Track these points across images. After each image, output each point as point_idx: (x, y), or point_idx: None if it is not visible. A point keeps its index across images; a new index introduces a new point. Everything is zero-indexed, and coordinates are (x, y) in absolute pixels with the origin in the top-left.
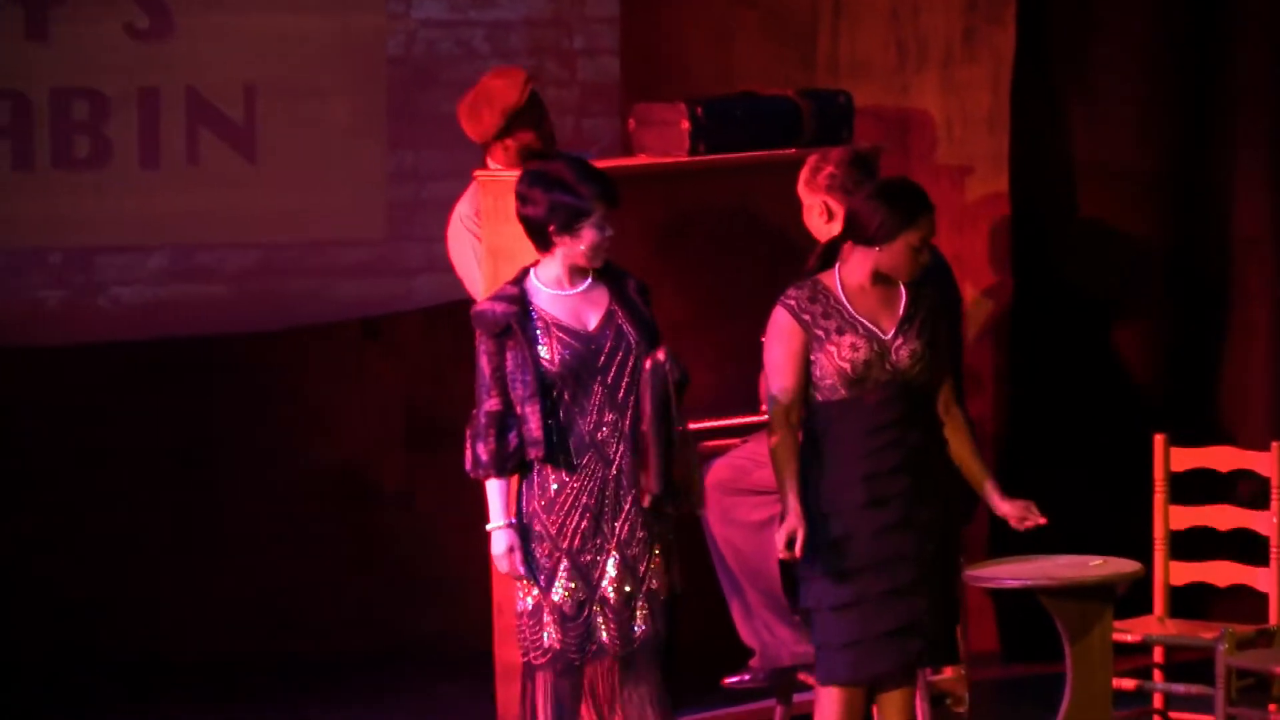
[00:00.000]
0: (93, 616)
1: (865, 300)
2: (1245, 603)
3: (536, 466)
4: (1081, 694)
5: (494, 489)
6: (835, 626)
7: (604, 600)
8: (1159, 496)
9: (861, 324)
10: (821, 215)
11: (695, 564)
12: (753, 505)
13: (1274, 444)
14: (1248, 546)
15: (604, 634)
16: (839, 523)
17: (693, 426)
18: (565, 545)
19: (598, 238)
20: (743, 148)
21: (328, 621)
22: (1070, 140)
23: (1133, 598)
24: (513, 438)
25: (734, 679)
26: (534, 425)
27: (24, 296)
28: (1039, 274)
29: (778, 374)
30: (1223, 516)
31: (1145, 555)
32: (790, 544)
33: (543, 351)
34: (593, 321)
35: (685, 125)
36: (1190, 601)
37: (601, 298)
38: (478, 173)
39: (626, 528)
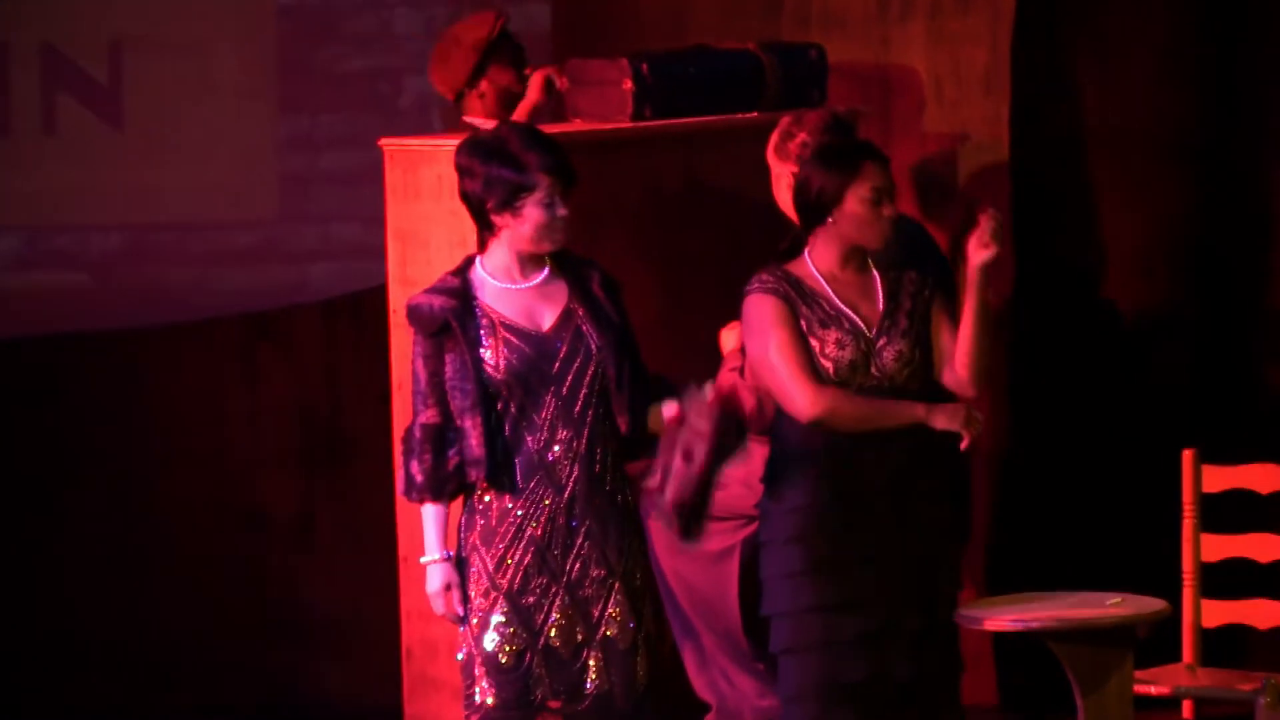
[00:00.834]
0: None
1: (845, 290)
2: None
3: (478, 490)
4: None
5: (430, 516)
6: (803, 674)
7: (548, 650)
8: (1188, 523)
9: (847, 317)
10: (792, 189)
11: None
12: (708, 532)
13: None
14: None
15: (547, 689)
16: (810, 550)
17: None
18: (504, 584)
19: (544, 217)
20: (696, 112)
21: (207, 673)
22: (1080, 103)
23: (1157, 642)
24: (453, 455)
25: None
26: (475, 441)
27: None
28: (1044, 261)
29: (787, 375)
30: (1263, 547)
31: (1172, 592)
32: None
33: (486, 354)
34: (547, 321)
35: (628, 85)
36: (1225, 647)
37: (559, 293)
38: (384, 141)
39: (578, 565)
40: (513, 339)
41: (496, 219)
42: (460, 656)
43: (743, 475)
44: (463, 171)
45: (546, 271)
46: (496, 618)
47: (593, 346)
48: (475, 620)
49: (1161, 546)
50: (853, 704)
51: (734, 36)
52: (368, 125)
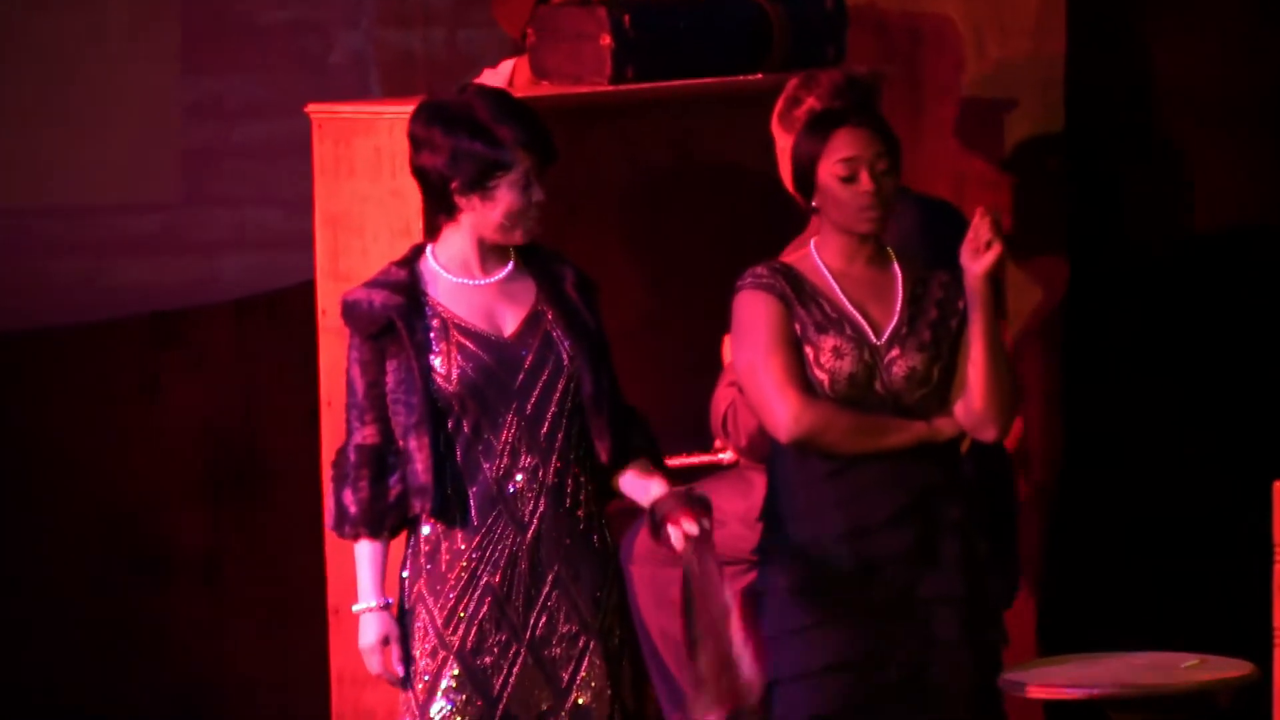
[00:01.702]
0: None
1: (855, 288)
2: None
3: (423, 527)
4: None
5: (366, 555)
6: None
7: None
8: None
9: (850, 321)
10: None
11: None
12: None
13: None
14: None
15: None
16: (818, 600)
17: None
18: (455, 641)
19: (520, 203)
20: (689, 74)
21: None
22: (1152, 61)
23: (1243, 711)
24: (394, 483)
25: None
26: (420, 466)
27: None
28: (1106, 253)
29: (769, 385)
30: None
31: (1261, 651)
32: None
33: (436, 362)
34: (510, 324)
35: (606, 41)
36: None
37: (525, 293)
38: (312, 108)
39: (545, 620)
40: (468, 344)
41: (461, 201)
42: None
43: (741, 510)
44: (420, 143)
45: (511, 266)
46: (446, 682)
47: (564, 356)
48: (420, 685)
49: (1247, 596)
50: None
51: None
52: (291, 88)
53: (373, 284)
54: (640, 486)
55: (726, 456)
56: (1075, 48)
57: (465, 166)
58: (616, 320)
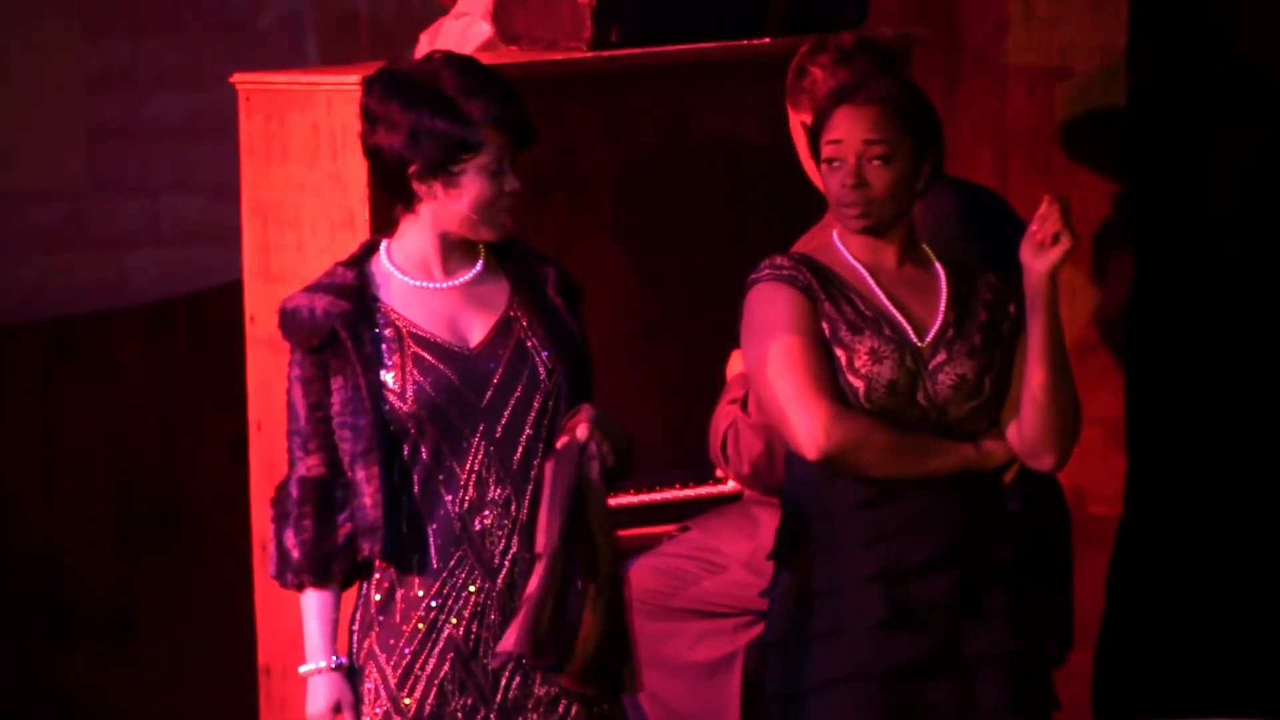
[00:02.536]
0: None
1: (893, 285)
2: None
3: (375, 572)
4: None
5: (313, 606)
6: None
7: None
8: None
9: (889, 319)
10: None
11: None
12: (696, 636)
13: None
14: None
15: None
16: (839, 655)
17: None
18: (411, 705)
19: (489, 191)
20: (682, 37)
21: None
22: (1226, 26)
23: None
24: (343, 521)
25: None
26: (369, 500)
27: None
28: (1177, 246)
29: (793, 392)
30: None
31: None
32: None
33: (388, 378)
34: (477, 333)
35: (585, 0)
36: None
37: (496, 296)
38: (238, 78)
39: (518, 680)
40: (427, 357)
41: (421, 188)
42: None
43: (746, 554)
44: (375, 119)
45: (480, 267)
46: None
47: (540, 370)
48: None
49: None
50: None
51: None
52: (214, 55)
53: (315, 288)
54: None
55: (729, 488)
56: (1139, 8)
57: (426, 147)
58: (599, 329)
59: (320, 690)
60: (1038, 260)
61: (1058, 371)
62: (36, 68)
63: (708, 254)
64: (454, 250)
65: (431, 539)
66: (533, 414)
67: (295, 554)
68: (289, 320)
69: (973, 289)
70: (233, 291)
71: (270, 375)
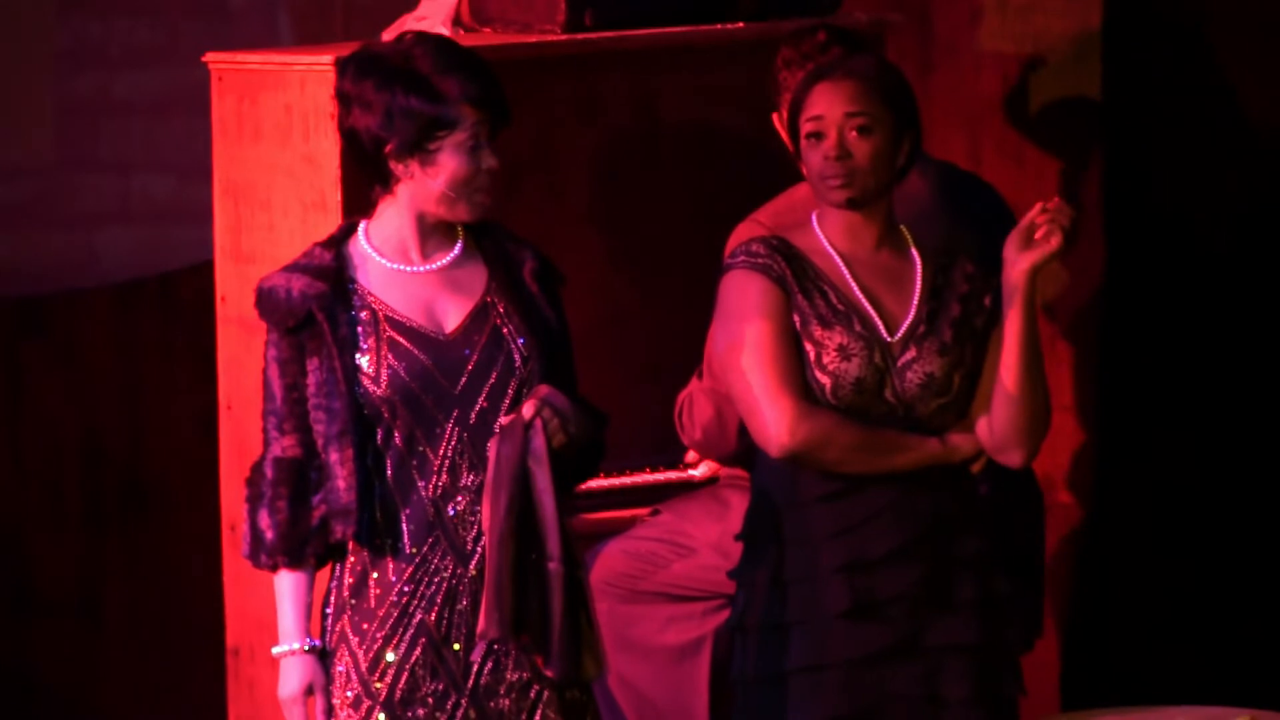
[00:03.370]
0: None
1: (868, 275)
2: None
3: (349, 556)
4: None
5: (287, 587)
6: None
7: None
8: None
9: (861, 314)
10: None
11: None
12: (665, 620)
13: None
14: None
15: None
16: (805, 643)
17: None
18: (382, 689)
19: (466, 169)
20: (656, 21)
21: None
22: (1200, 13)
23: None
24: (318, 503)
25: None
26: (342, 483)
27: None
28: (1147, 229)
29: (760, 386)
30: None
31: None
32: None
33: (363, 362)
34: (453, 319)
35: None
36: None
37: (474, 281)
38: (210, 57)
39: (490, 666)
40: (401, 341)
41: (397, 168)
42: None
43: (715, 536)
44: (351, 100)
45: (458, 250)
46: None
47: (516, 357)
48: None
49: None
50: None
51: None
52: (187, 34)
53: (292, 268)
54: None
55: (699, 473)
56: None
57: (402, 125)
58: (571, 314)
59: (293, 672)
60: (1021, 257)
61: (1031, 368)
62: (7, 45)
63: (681, 237)
64: (432, 233)
65: (404, 524)
66: (507, 401)
67: (269, 535)
68: (265, 300)
69: (948, 280)
70: (203, 271)
71: (241, 355)
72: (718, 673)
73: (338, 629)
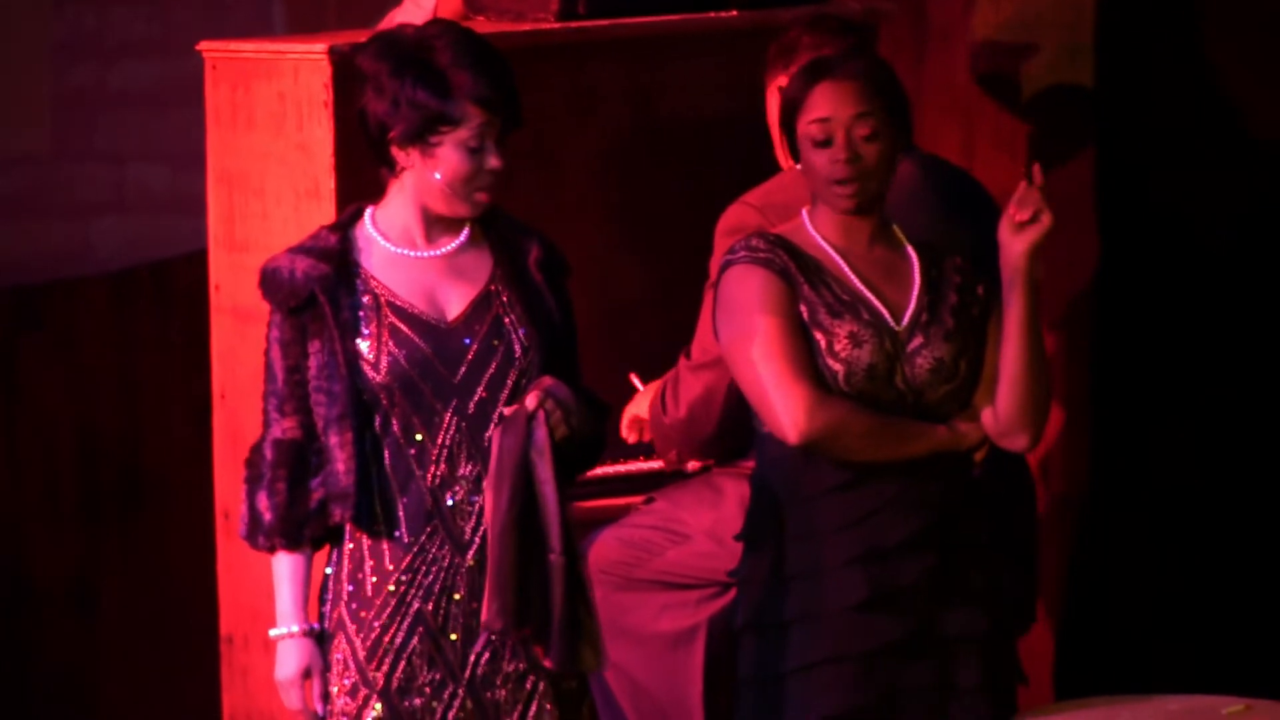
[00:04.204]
0: None
1: (866, 267)
2: None
3: (347, 540)
4: None
5: (285, 569)
6: None
7: None
8: None
9: (866, 303)
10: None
11: None
12: (660, 608)
13: None
14: None
15: None
16: (820, 633)
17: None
18: (379, 678)
19: (466, 168)
20: (650, 10)
21: None
22: (1194, 3)
23: None
24: (316, 485)
25: None
26: (341, 466)
27: None
28: (1143, 224)
29: (774, 378)
30: None
31: None
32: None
33: (364, 346)
34: (455, 306)
35: None
36: None
37: (478, 269)
38: (205, 45)
39: (487, 656)
40: (402, 328)
41: (400, 155)
42: None
43: (709, 523)
44: (365, 80)
45: (464, 237)
46: None
47: (516, 347)
48: None
49: None
50: None
51: None
52: (181, 24)
53: (297, 250)
54: None
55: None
56: None
57: (406, 115)
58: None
59: (290, 655)
60: (1016, 239)
61: (1035, 350)
62: (3, 36)
63: (677, 226)
64: (437, 220)
65: (402, 512)
66: (506, 391)
67: (268, 516)
68: (269, 280)
69: (942, 272)
70: (198, 260)
71: (235, 344)
72: (712, 660)
73: (335, 616)
